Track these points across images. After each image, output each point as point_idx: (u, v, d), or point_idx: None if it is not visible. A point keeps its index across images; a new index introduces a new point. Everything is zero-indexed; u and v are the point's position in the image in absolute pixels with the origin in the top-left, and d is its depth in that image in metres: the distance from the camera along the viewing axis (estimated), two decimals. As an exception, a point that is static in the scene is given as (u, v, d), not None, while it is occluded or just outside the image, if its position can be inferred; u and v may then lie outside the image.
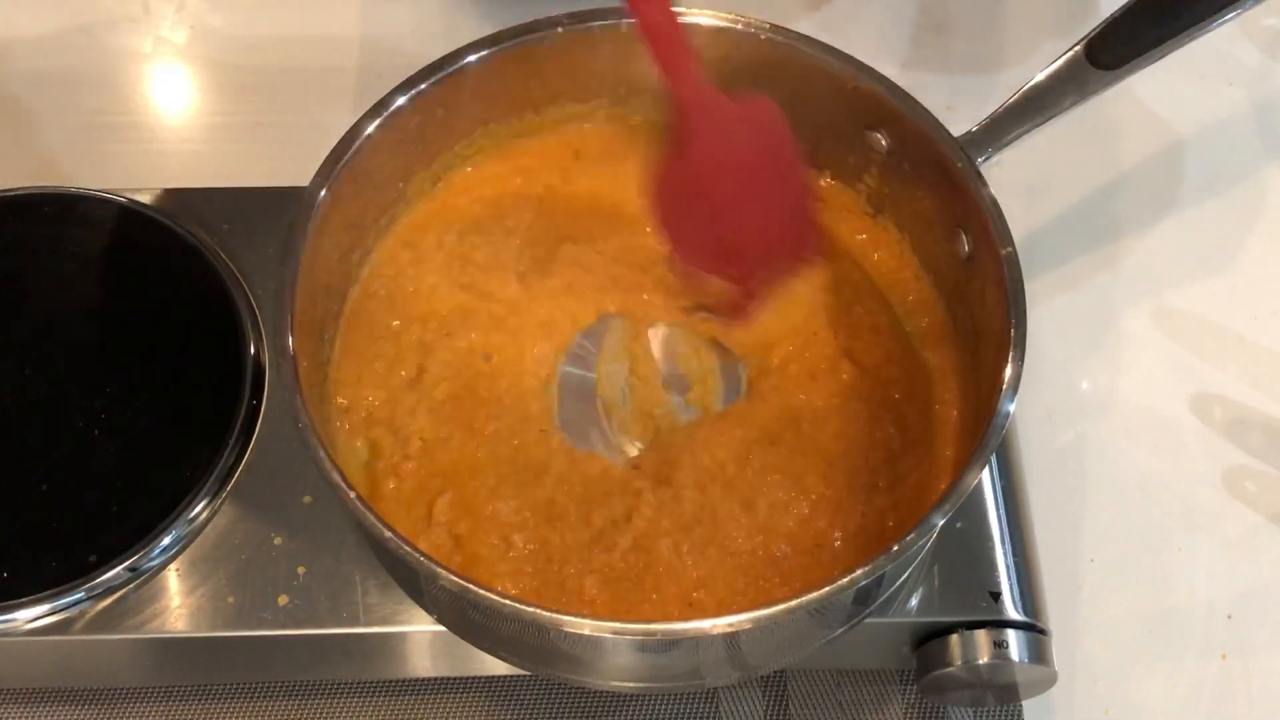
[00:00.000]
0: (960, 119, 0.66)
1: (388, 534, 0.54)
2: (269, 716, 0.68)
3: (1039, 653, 0.63)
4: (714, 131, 0.64)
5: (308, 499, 0.65)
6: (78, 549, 0.63)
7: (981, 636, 0.62)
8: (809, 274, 0.69)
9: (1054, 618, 0.65)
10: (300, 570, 0.63)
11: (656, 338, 0.69)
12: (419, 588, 0.61)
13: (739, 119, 0.65)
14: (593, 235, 0.70)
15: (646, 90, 0.71)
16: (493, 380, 0.66)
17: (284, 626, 0.62)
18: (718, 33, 0.68)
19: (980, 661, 0.62)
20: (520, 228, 0.70)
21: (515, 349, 0.67)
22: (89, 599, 0.63)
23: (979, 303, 0.63)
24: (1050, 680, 0.64)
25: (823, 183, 0.72)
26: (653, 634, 0.55)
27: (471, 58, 0.66)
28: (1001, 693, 0.66)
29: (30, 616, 0.62)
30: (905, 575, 0.62)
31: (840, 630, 0.61)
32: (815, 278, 0.69)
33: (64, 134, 0.86)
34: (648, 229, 0.70)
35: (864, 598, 0.60)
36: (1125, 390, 0.78)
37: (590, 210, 0.71)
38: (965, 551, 0.64)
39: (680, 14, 0.64)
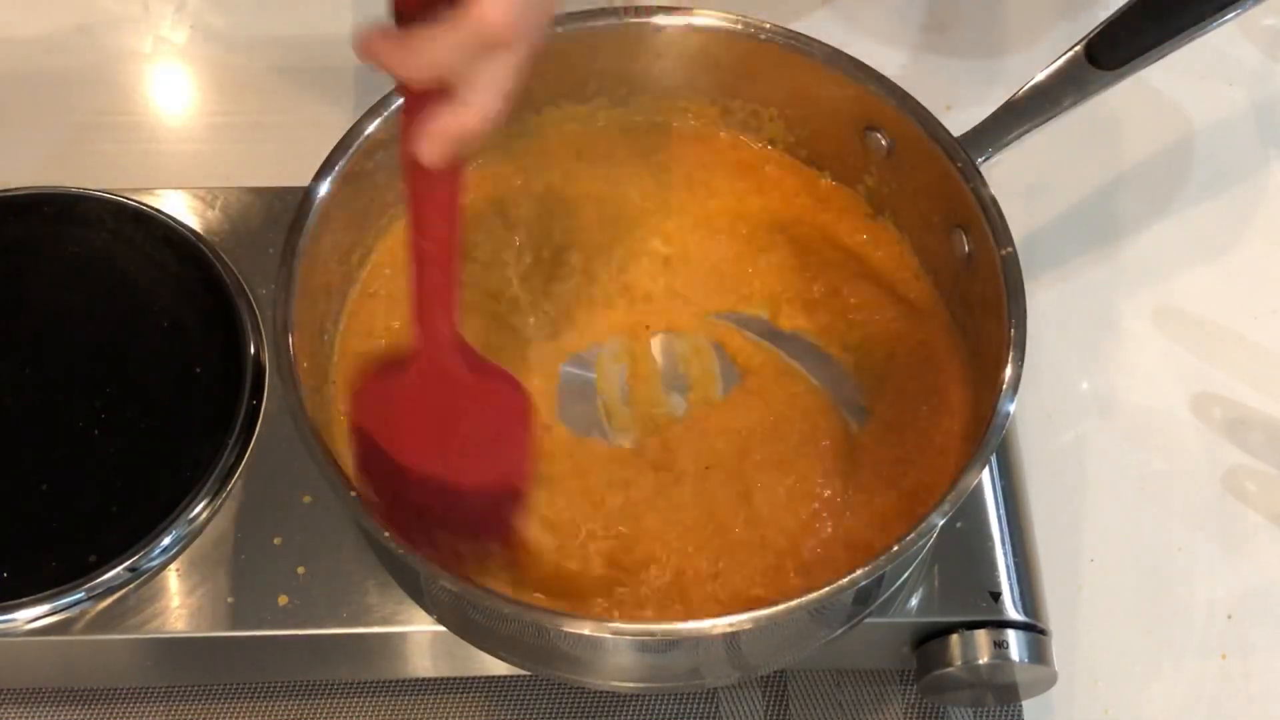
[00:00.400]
0: (960, 119, 0.65)
1: (387, 534, 0.54)
2: (269, 716, 0.68)
3: (1039, 653, 0.63)
4: (443, 375, 0.58)
5: (308, 499, 0.65)
6: (78, 549, 0.63)
7: (981, 636, 0.62)
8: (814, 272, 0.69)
9: (1054, 618, 0.65)
10: (300, 570, 0.63)
11: (657, 339, 0.69)
12: (419, 588, 0.61)
13: (475, 382, 0.59)
14: (595, 236, 0.70)
15: (647, 90, 0.71)
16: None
17: (284, 626, 0.62)
18: (718, 33, 0.68)
19: (980, 661, 0.62)
20: (522, 227, 0.71)
21: (516, 348, 0.67)
22: (89, 599, 0.63)
23: (979, 303, 0.63)
24: (1050, 680, 0.64)
25: (822, 183, 0.72)
26: (652, 634, 0.56)
27: (471, 58, 0.66)
28: (1001, 693, 0.66)
29: (30, 616, 0.62)
30: (905, 575, 0.62)
31: (840, 630, 0.61)
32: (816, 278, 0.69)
33: (64, 134, 0.86)
34: (650, 229, 0.70)
35: (864, 598, 0.60)
36: (1125, 390, 0.78)
37: (592, 210, 0.71)
38: (965, 551, 0.64)
39: (645, 19, 0.62)
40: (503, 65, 0.50)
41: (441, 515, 0.60)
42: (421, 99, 0.51)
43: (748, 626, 0.53)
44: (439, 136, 0.51)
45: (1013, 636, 0.62)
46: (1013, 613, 0.63)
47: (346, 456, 0.63)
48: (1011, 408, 0.57)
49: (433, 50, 0.49)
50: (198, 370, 0.68)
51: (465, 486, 0.59)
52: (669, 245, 0.70)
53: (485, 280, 0.69)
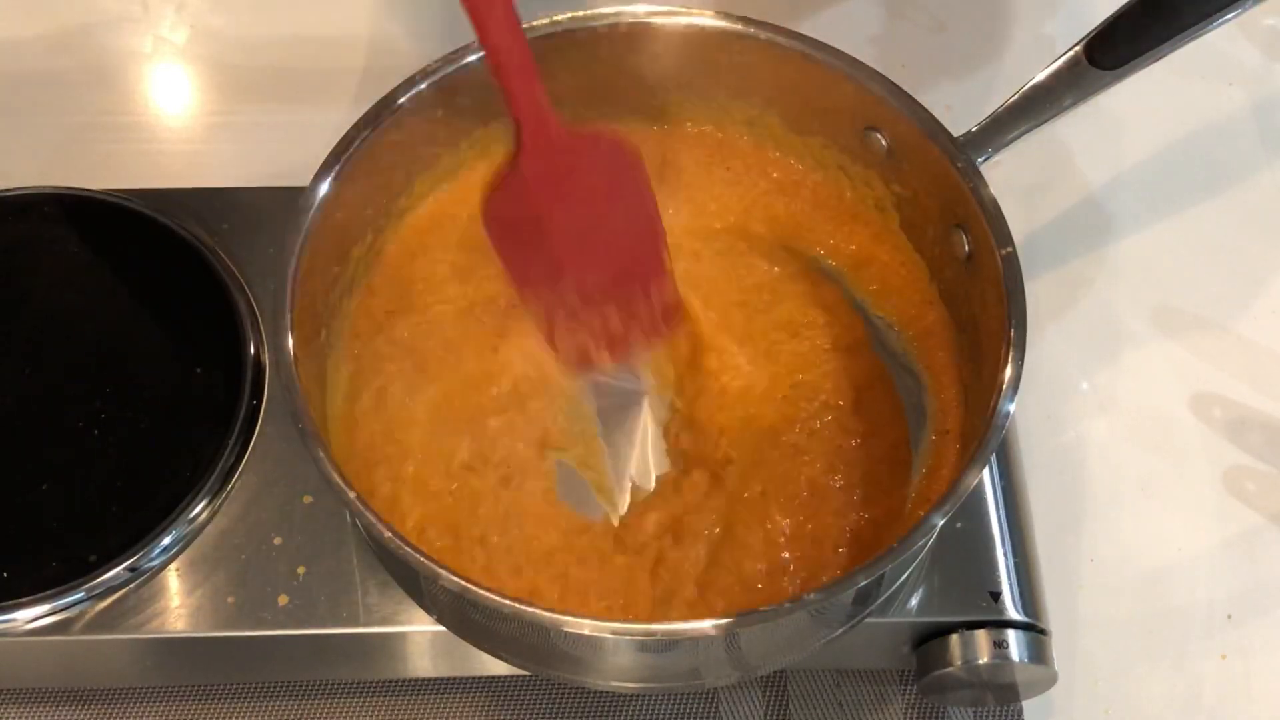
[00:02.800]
0: (960, 119, 0.65)
1: (388, 534, 0.54)
2: (269, 716, 0.68)
3: (1039, 653, 0.63)
4: (548, 155, 0.61)
5: (308, 499, 0.65)
6: (78, 549, 0.63)
7: (981, 636, 0.62)
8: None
9: (1054, 618, 0.65)
10: (300, 570, 0.63)
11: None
12: (419, 588, 0.61)
13: (582, 150, 0.62)
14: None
15: (646, 90, 0.71)
16: (495, 378, 0.66)
17: (284, 626, 0.62)
18: (718, 33, 0.68)
19: (980, 661, 0.62)
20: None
21: (518, 345, 0.67)
22: (89, 599, 0.63)
23: (979, 303, 0.63)
24: (1050, 680, 0.64)
25: (821, 183, 0.72)
26: (652, 634, 0.56)
27: (472, 58, 0.66)
28: (1001, 693, 0.66)
29: (30, 616, 0.62)
30: (905, 575, 0.63)
31: (840, 630, 0.61)
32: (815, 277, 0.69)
33: (64, 134, 0.86)
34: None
35: (864, 598, 0.60)
36: (1125, 390, 0.78)
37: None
38: (965, 551, 0.64)
39: (645, 19, 0.63)
40: None
41: (600, 290, 0.64)
42: None
43: (748, 626, 0.53)
44: None
45: (1013, 636, 0.62)
46: (1013, 613, 0.63)
47: (348, 457, 0.63)
48: (1011, 408, 0.57)
49: None
50: (198, 370, 0.68)
51: (611, 249, 0.64)
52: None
53: (486, 280, 0.69)
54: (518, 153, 0.61)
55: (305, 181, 0.62)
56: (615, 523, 0.63)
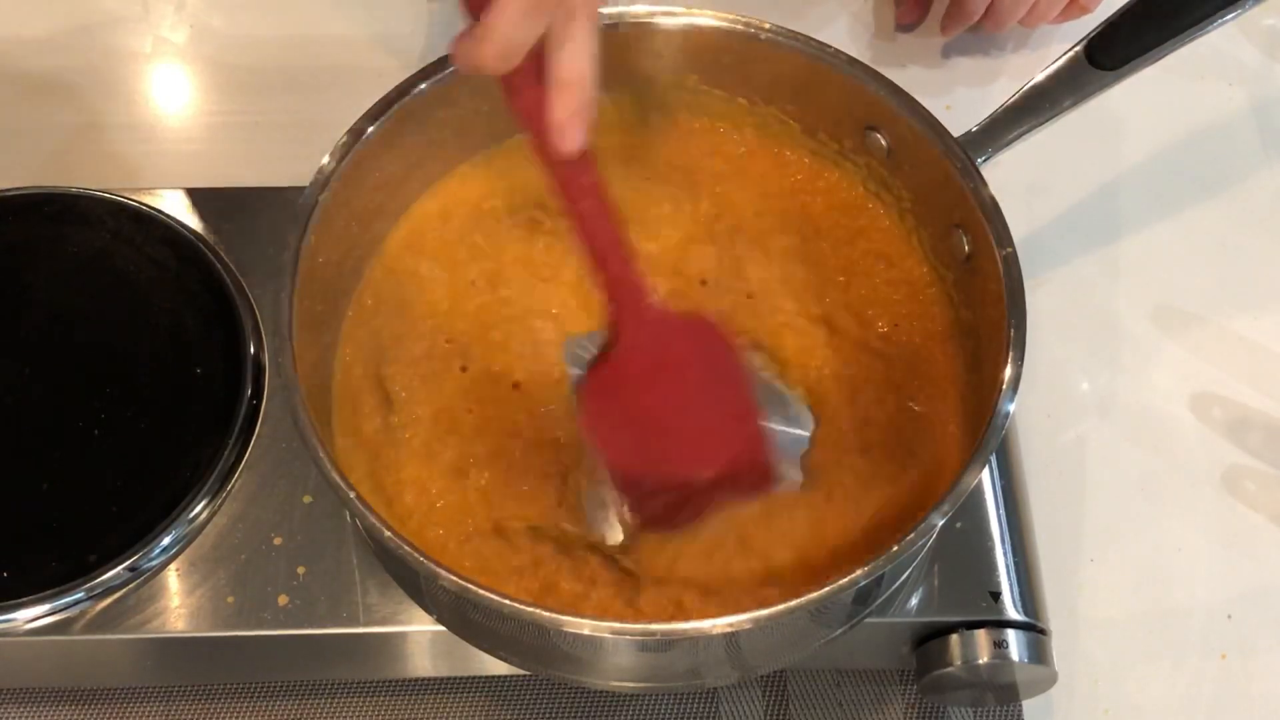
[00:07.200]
0: (960, 119, 0.65)
1: (388, 534, 0.54)
2: (269, 716, 0.68)
3: (1039, 653, 0.63)
4: (647, 339, 0.60)
5: (308, 499, 0.65)
6: (78, 549, 0.63)
7: (981, 636, 0.62)
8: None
9: (1054, 618, 0.65)
10: (300, 570, 0.63)
11: None
12: (419, 588, 0.61)
13: (677, 329, 0.61)
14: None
15: (646, 90, 0.71)
16: (498, 376, 0.66)
17: (284, 626, 0.62)
18: (718, 33, 0.68)
19: (980, 661, 0.62)
20: (523, 226, 0.70)
21: (521, 341, 0.67)
22: (89, 599, 0.63)
23: (979, 303, 0.63)
24: (1050, 680, 0.64)
25: (821, 182, 0.72)
26: (652, 634, 0.56)
27: (471, 58, 0.66)
28: (1001, 693, 0.66)
29: (30, 616, 0.62)
30: (905, 575, 0.63)
31: (840, 630, 0.61)
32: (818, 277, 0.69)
33: (64, 134, 0.86)
34: (651, 229, 0.70)
35: (864, 598, 0.60)
36: (1125, 390, 0.78)
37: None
38: (965, 551, 0.64)
39: (645, 19, 0.64)
40: (574, 25, 0.53)
41: (709, 485, 0.61)
42: (525, 98, 0.55)
43: (748, 626, 0.53)
44: (566, 119, 0.54)
45: (1012, 636, 0.62)
46: (1013, 613, 0.63)
47: (354, 459, 0.63)
48: (1011, 408, 0.57)
49: (502, 24, 0.52)
50: (198, 370, 0.68)
51: (715, 442, 0.61)
52: (662, 247, 0.70)
53: (488, 278, 0.69)
54: (612, 333, 0.60)
55: (305, 181, 0.62)
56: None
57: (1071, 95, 0.65)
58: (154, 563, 0.63)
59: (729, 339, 0.63)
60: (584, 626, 0.53)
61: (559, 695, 0.69)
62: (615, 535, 0.63)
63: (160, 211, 0.73)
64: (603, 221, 0.58)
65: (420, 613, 0.62)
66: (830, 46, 0.67)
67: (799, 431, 0.66)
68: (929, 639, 0.64)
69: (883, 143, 0.68)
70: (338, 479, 0.55)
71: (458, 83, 0.66)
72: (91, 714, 0.68)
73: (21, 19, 0.90)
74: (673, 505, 0.61)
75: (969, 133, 0.65)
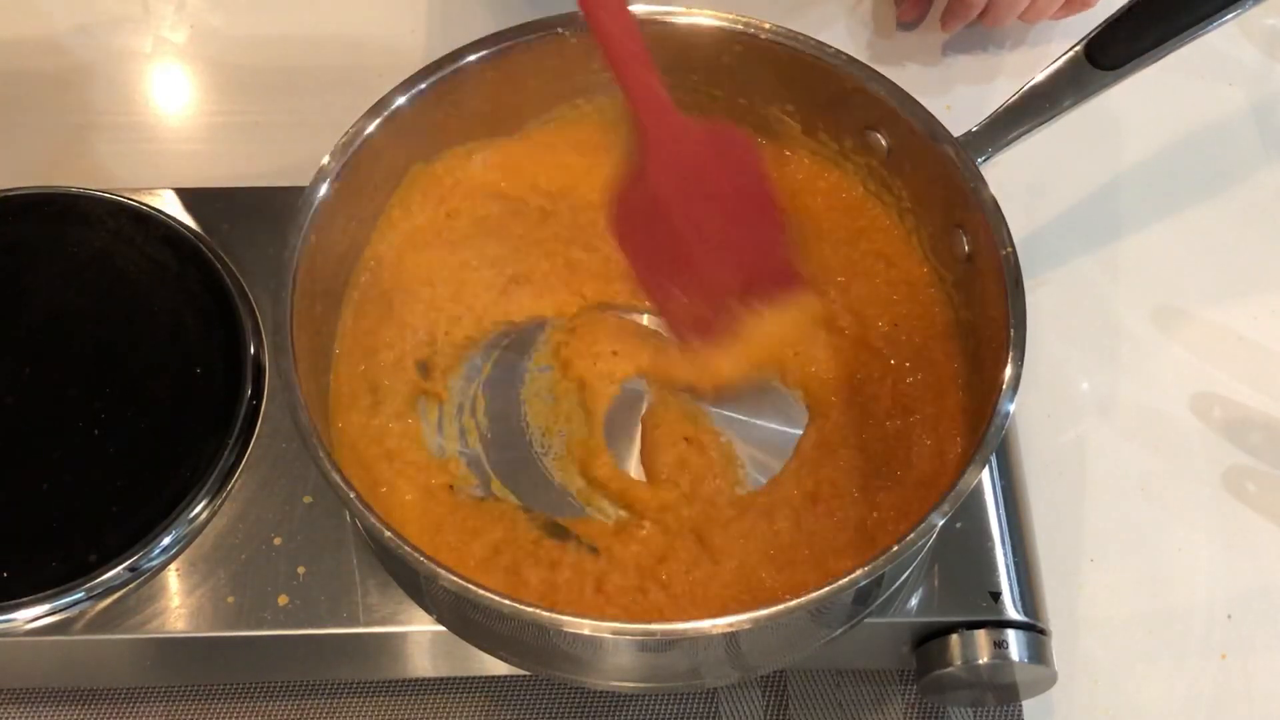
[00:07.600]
0: (960, 119, 0.66)
1: (388, 534, 0.54)
2: (269, 716, 0.68)
3: (1039, 653, 0.63)
4: (672, 147, 0.62)
5: (308, 499, 0.65)
6: (78, 549, 0.63)
7: (981, 636, 0.62)
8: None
9: (1054, 618, 0.65)
10: (300, 570, 0.63)
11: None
12: (419, 588, 0.61)
13: (701, 139, 0.63)
14: (594, 233, 0.70)
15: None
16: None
17: (284, 626, 0.62)
18: (718, 33, 0.68)
19: (980, 661, 0.62)
20: (521, 225, 0.71)
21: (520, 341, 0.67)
22: (89, 599, 0.63)
23: (979, 303, 0.63)
24: (1050, 680, 0.64)
25: (822, 182, 0.72)
26: (652, 634, 0.55)
27: (471, 57, 0.66)
28: (1001, 693, 0.66)
29: (30, 616, 0.62)
30: (905, 575, 0.63)
31: (840, 630, 0.61)
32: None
33: (64, 134, 0.86)
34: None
35: (864, 598, 0.60)
36: (1125, 390, 0.78)
37: (590, 207, 0.71)
38: (965, 551, 0.64)
39: (645, 19, 0.64)
40: None
41: (726, 278, 0.64)
42: None
43: (747, 626, 0.53)
44: None
45: (1012, 636, 0.62)
46: (1013, 613, 0.63)
47: (350, 459, 0.63)
48: (1011, 408, 0.57)
49: None
50: (198, 370, 0.68)
51: (737, 238, 0.64)
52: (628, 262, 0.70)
53: (488, 278, 0.69)
54: (641, 145, 0.62)
55: (305, 181, 0.62)
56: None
57: (1071, 95, 0.65)
58: (154, 563, 0.63)
59: (751, 144, 0.65)
60: (584, 626, 0.53)
61: (559, 695, 0.69)
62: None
63: (160, 211, 0.73)
64: (628, 39, 0.61)
65: (420, 613, 0.62)
66: (830, 46, 0.67)
67: (798, 431, 0.66)
68: (929, 639, 0.64)
69: (883, 143, 0.68)
70: (338, 479, 0.55)
71: (458, 82, 0.66)
72: (91, 714, 0.68)
73: (21, 19, 0.91)
74: (707, 315, 0.64)
75: (969, 133, 0.65)
